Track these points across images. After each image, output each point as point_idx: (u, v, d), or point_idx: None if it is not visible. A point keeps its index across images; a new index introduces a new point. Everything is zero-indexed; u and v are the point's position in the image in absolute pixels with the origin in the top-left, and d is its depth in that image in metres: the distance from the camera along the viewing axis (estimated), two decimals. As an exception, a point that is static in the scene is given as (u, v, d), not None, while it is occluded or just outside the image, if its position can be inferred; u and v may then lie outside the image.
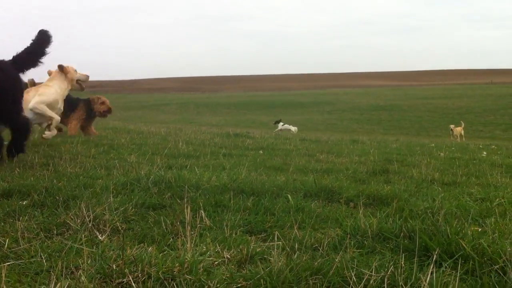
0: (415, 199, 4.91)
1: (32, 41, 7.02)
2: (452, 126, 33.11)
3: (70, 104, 11.21)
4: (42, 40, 7.10)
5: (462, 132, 32.39)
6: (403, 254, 3.03)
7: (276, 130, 29.92)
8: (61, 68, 9.03)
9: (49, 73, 9.18)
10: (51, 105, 8.64)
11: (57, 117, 8.81)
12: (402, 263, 2.85)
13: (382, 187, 5.47)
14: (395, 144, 13.64)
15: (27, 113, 7.74)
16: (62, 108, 9.11)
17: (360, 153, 9.61)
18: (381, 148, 11.55)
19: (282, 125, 32.83)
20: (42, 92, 8.63)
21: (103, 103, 11.75)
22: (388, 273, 2.76)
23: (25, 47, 6.95)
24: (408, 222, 3.75)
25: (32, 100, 8.40)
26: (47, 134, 8.86)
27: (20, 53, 6.86)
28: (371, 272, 2.78)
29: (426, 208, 4.40)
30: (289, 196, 4.63)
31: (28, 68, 6.93)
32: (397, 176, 6.60)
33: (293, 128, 32.10)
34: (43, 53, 7.07)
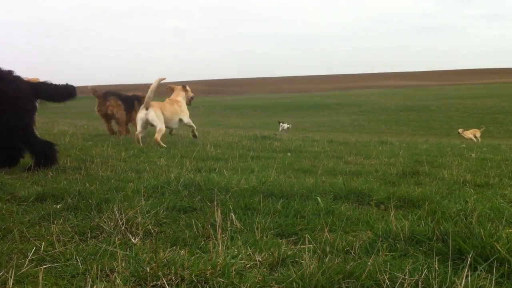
0: (447, 201, 4.85)
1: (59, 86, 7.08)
2: (460, 130, 32.47)
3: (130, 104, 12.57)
4: (67, 92, 7.19)
5: (478, 134, 31.62)
6: (437, 257, 3.00)
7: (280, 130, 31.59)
8: (185, 88, 11.17)
9: (172, 88, 11.19)
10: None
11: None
12: (436, 266, 2.82)
13: (413, 189, 5.41)
14: (424, 145, 13.47)
15: (174, 124, 10.75)
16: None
17: (389, 155, 9.53)
18: (410, 149, 11.43)
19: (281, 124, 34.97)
20: (183, 108, 10.94)
21: None
22: (422, 276, 2.74)
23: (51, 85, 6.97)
24: (440, 224, 3.71)
25: (184, 117, 10.93)
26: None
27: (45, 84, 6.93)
28: (404, 275, 2.76)
29: (458, 210, 4.34)
30: (319, 199, 4.63)
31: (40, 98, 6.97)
32: (428, 177, 6.53)
33: (286, 126, 35.07)
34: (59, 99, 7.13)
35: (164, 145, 9.75)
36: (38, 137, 6.77)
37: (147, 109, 10.14)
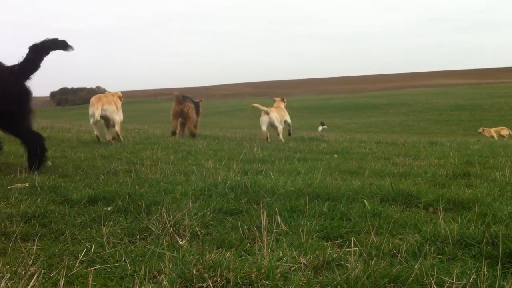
0: (498, 203, 4.72)
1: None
2: (481, 129, 31.31)
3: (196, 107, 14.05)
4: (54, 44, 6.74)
5: (505, 133, 30.38)
6: (486, 261, 2.94)
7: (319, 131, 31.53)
8: (283, 99, 14.30)
9: (274, 100, 14.34)
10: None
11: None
12: (485, 270, 2.76)
13: (463, 191, 5.30)
14: (476, 145, 13.12)
15: (282, 124, 13.35)
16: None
17: (439, 156, 9.34)
18: (461, 150, 11.16)
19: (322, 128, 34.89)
20: (286, 113, 13.81)
21: None
22: (470, 280, 2.69)
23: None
24: (491, 227, 3.62)
25: (288, 119, 13.72)
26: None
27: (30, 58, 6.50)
28: (452, 279, 2.71)
29: (510, 213, 4.23)
30: (365, 201, 4.59)
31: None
32: (479, 179, 6.37)
33: (320, 128, 35.67)
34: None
35: (282, 139, 12.68)
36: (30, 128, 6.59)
37: (268, 114, 12.90)
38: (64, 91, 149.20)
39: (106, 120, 11.09)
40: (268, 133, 12.87)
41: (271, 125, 13.06)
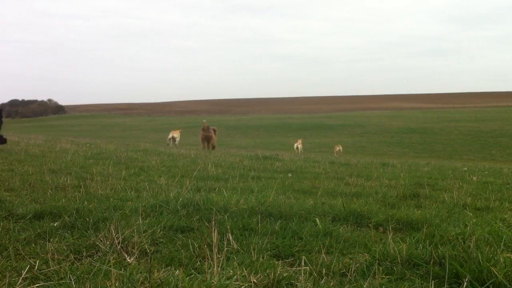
0: (446, 224, 4.82)
1: None
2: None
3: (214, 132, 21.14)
4: None
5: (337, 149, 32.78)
6: (433, 281, 2.98)
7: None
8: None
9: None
10: None
11: None
12: (432, 290, 2.79)
13: (412, 211, 5.39)
14: (426, 167, 13.44)
15: None
16: None
17: (390, 177, 9.50)
18: (412, 171, 11.40)
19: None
20: None
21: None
22: (417, 300, 2.71)
23: None
24: (438, 248, 3.68)
25: None
26: None
27: None
28: (399, 299, 2.73)
29: (457, 234, 4.31)
30: (317, 220, 4.61)
31: None
32: (428, 200, 6.50)
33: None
34: None
35: None
36: None
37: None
38: (14, 103, 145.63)
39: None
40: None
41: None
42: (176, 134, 23.64)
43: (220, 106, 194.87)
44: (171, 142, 23.55)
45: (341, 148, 34.83)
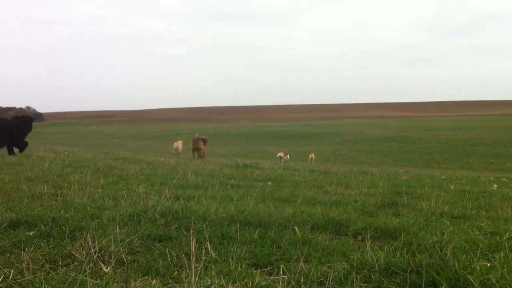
0: (423, 232, 4.86)
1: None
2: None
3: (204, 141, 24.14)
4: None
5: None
6: (410, 290, 2.99)
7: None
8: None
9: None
10: None
11: None
12: (409, 298, 2.80)
13: (390, 220, 5.42)
14: (405, 176, 13.56)
15: None
16: None
17: (369, 185, 9.56)
18: (390, 180, 11.49)
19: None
20: None
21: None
22: (394, 309, 2.72)
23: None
24: (416, 256, 3.70)
25: None
26: None
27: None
28: (377, 307, 2.74)
29: (434, 242, 4.35)
30: (296, 229, 4.61)
31: None
32: (406, 209, 6.55)
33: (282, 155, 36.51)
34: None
35: None
36: None
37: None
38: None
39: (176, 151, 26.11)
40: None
41: None
42: (179, 145, 27.63)
43: (201, 114, 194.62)
44: (175, 151, 26.98)
45: (313, 155, 36.09)
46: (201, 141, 23.80)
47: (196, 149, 23.41)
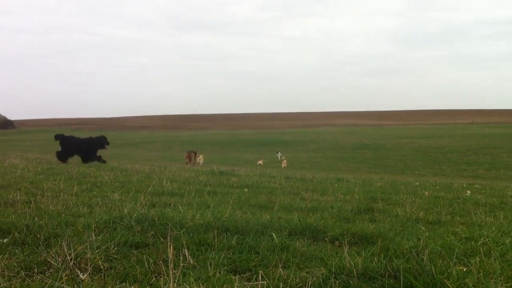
0: (400, 238, 4.90)
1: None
2: None
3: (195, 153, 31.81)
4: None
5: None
6: (389, 294, 3.00)
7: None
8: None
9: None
10: None
11: None
12: (388, 303, 2.82)
13: (367, 225, 5.46)
14: (379, 182, 13.68)
15: None
16: None
17: (345, 192, 9.62)
18: (366, 186, 11.58)
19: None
20: None
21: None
22: (374, 313, 2.73)
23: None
24: (393, 261, 3.73)
25: None
26: None
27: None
28: (356, 312, 2.74)
29: (411, 247, 4.39)
30: (274, 235, 4.60)
31: None
32: (382, 214, 6.60)
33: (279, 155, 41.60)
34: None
35: None
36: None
37: None
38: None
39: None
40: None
41: None
42: (201, 159, 33.34)
43: (175, 121, 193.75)
44: (199, 162, 32.05)
45: (285, 162, 39.29)
46: (192, 152, 30.44)
47: (189, 158, 29.61)
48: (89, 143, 17.76)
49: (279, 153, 46.91)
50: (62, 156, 16.65)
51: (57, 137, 17.35)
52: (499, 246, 4.62)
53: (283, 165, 37.64)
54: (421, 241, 4.61)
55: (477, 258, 4.09)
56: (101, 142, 18.01)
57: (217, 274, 3.45)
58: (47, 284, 3.02)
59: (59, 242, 3.88)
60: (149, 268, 3.53)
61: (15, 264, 3.48)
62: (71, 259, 3.51)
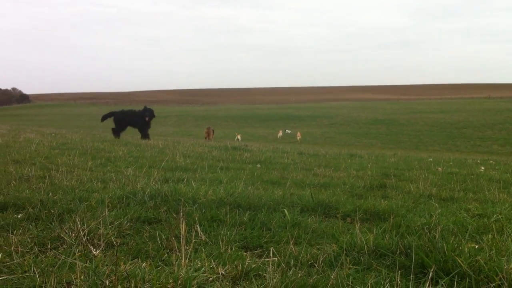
0: (412, 214, 4.89)
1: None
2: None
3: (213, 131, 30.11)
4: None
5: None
6: (399, 271, 3.01)
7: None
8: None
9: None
10: None
11: None
12: (399, 280, 2.83)
13: (379, 202, 5.45)
14: (393, 158, 13.61)
15: None
16: None
17: (358, 167, 9.59)
18: (379, 162, 11.53)
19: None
20: None
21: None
22: (384, 290, 2.73)
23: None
24: (405, 238, 3.72)
25: None
26: None
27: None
28: (366, 289, 2.75)
29: (423, 224, 4.38)
30: (286, 211, 4.61)
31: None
32: (394, 191, 6.58)
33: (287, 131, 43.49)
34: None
35: None
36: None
37: None
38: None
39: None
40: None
41: None
42: (239, 136, 36.02)
43: (188, 96, 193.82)
44: (238, 141, 33.10)
45: (300, 135, 41.71)
46: (211, 128, 30.80)
47: (208, 134, 29.91)
48: (140, 115, 19.08)
49: (287, 130, 47.41)
50: (117, 132, 18.32)
51: (108, 115, 19.44)
52: (512, 223, 4.59)
53: (298, 138, 40.64)
54: (433, 218, 4.60)
55: (490, 235, 4.07)
56: (150, 114, 19.26)
57: (229, 251, 3.47)
58: (60, 260, 3.06)
59: (73, 218, 3.92)
60: (161, 244, 3.56)
61: (28, 239, 3.53)
62: (84, 235, 3.55)
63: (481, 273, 3.04)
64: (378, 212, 4.92)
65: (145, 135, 18.75)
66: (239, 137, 37.31)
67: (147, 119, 19.03)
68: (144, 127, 18.99)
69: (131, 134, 20.71)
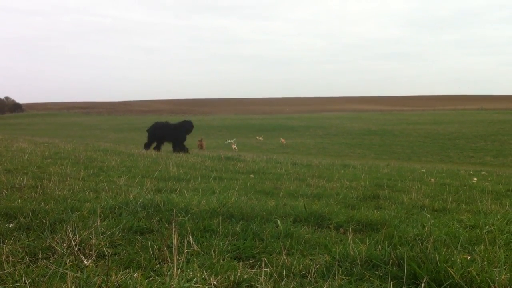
0: (405, 225, 4.89)
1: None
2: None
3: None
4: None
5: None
6: (392, 282, 3.01)
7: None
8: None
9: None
10: None
11: None
12: (391, 291, 2.82)
13: (372, 213, 5.45)
14: (386, 169, 13.64)
15: None
16: None
17: (351, 178, 9.60)
18: (372, 173, 11.55)
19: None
20: None
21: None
22: (376, 301, 2.73)
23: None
24: (397, 249, 3.73)
25: None
26: None
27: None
28: (359, 300, 2.75)
29: (415, 235, 4.38)
30: (279, 221, 4.61)
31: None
32: (387, 201, 6.59)
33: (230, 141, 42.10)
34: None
35: None
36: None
37: None
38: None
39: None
40: None
41: None
42: (235, 145, 36.08)
43: (182, 106, 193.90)
44: (235, 149, 34.40)
45: (284, 141, 43.52)
46: (202, 140, 31.69)
47: (200, 145, 30.77)
48: (178, 129, 19.86)
49: (228, 140, 45.33)
50: (148, 145, 19.17)
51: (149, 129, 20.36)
52: (504, 234, 4.61)
53: (282, 142, 42.71)
54: (426, 228, 4.60)
55: (482, 247, 4.07)
56: (188, 127, 20.13)
57: (221, 261, 3.46)
58: (51, 270, 3.04)
59: (64, 228, 3.90)
60: (153, 254, 3.54)
61: (19, 249, 3.51)
62: (75, 245, 3.53)
63: (473, 284, 3.04)
64: (371, 223, 4.92)
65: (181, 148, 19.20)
66: (235, 146, 37.29)
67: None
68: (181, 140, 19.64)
69: (129, 143, 20.59)
